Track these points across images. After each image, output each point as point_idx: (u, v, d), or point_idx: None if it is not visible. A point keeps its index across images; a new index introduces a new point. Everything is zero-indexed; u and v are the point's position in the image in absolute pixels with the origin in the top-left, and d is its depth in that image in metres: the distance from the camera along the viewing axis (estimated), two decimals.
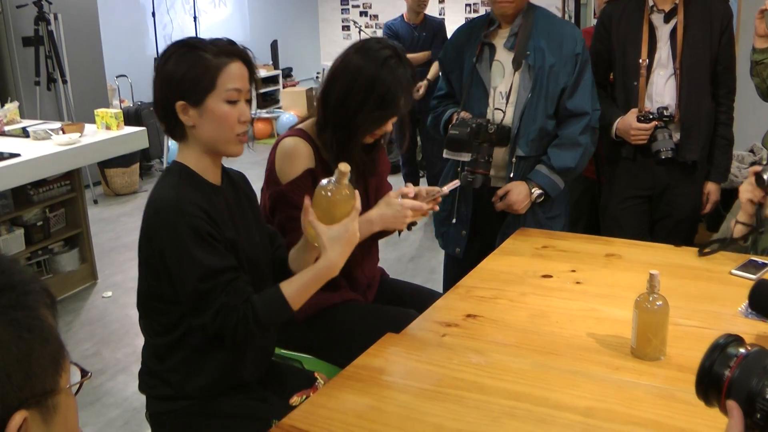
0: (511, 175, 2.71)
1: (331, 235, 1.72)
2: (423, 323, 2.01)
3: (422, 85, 6.04)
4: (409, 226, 2.14)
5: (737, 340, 1.05)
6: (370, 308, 2.27)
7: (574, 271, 2.32)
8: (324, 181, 1.76)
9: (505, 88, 2.69)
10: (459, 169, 2.70)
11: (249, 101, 1.80)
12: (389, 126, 2.17)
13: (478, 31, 2.76)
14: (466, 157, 2.60)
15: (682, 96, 2.83)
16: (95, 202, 6.69)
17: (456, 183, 2.08)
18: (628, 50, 2.86)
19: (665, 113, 2.80)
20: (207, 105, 1.73)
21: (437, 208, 2.14)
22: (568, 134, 2.68)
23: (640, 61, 2.82)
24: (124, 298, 4.57)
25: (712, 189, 2.95)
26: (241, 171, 2.02)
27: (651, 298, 1.80)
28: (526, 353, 1.83)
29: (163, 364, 1.86)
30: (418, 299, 2.33)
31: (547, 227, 2.75)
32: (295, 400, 1.94)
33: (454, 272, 2.69)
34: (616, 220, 3.01)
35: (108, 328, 4.18)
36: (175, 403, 1.86)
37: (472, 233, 2.82)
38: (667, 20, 2.83)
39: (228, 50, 1.75)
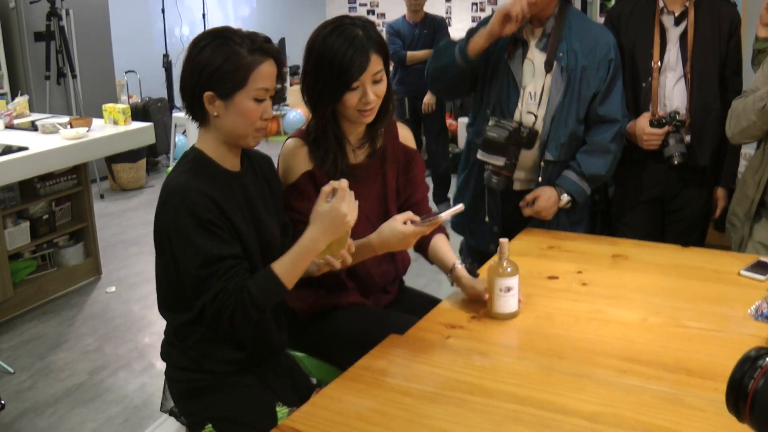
0: (539, 179, 2.66)
1: (319, 211, 1.78)
2: (427, 325, 1.99)
3: (429, 96, 6.03)
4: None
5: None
6: (374, 312, 2.23)
7: (580, 272, 2.30)
8: (327, 197, 1.80)
9: (534, 88, 2.63)
10: (485, 167, 2.64)
11: (273, 97, 1.84)
12: (362, 94, 2.02)
13: None
14: (500, 161, 2.56)
15: (693, 100, 2.80)
16: (101, 196, 6.69)
17: (460, 208, 1.97)
18: (638, 51, 2.82)
19: (677, 117, 2.76)
20: (235, 100, 1.77)
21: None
22: (599, 140, 2.64)
23: (652, 63, 2.79)
24: (128, 293, 4.56)
25: (721, 194, 2.92)
26: None
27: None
28: (531, 356, 1.80)
29: (182, 341, 1.92)
30: (430, 308, 2.27)
31: (570, 231, 2.72)
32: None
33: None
34: (628, 225, 2.97)
35: (110, 323, 4.17)
36: (192, 374, 1.93)
37: (503, 230, 2.77)
38: (677, 23, 2.80)
39: (263, 49, 1.79)
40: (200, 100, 1.78)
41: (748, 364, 1.02)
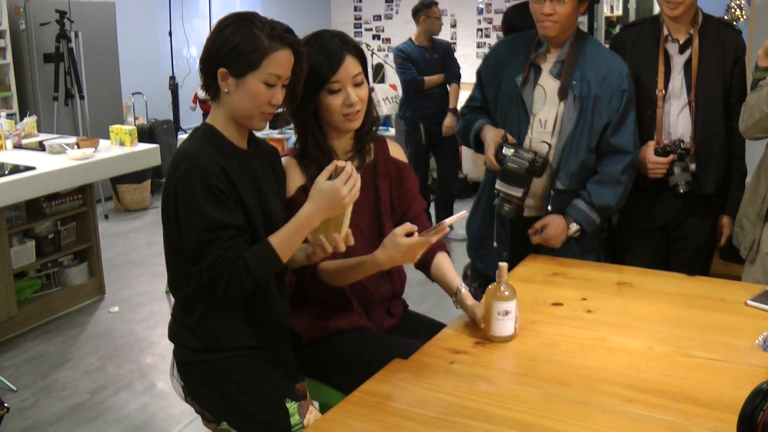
0: (549, 207, 2.65)
1: (319, 187, 1.84)
2: (431, 349, 1.98)
3: (449, 119, 6.01)
4: None
5: None
6: (377, 336, 2.22)
7: (585, 299, 2.29)
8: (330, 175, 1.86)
9: (545, 116, 2.63)
10: (496, 194, 2.63)
11: (285, 87, 1.90)
12: (345, 97, 2.05)
13: (522, 48, 2.69)
14: (518, 192, 2.56)
15: (697, 128, 2.80)
16: (106, 217, 6.71)
17: (463, 214, 2.00)
18: (642, 79, 2.83)
19: (682, 146, 2.77)
20: (246, 80, 1.83)
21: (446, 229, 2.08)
22: (611, 172, 2.63)
23: (657, 91, 2.80)
24: (131, 313, 4.56)
25: (726, 222, 2.91)
26: None
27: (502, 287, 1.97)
28: (536, 382, 1.79)
29: (188, 317, 1.96)
30: (434, 333, 2.26)
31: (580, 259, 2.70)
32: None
33: None
34: (633, 253, 2.96)
35: (113, 343, 4.16)
36: (201, 356, 1.96)
37: (512, 256, 2.75)
38: (682, 50, 2.81)
39: (282, 37, 1.85)
40: (215, 75, 1.85)
41: (759, 397, 1.02)
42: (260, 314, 1.99)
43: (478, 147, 2.73)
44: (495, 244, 2.77)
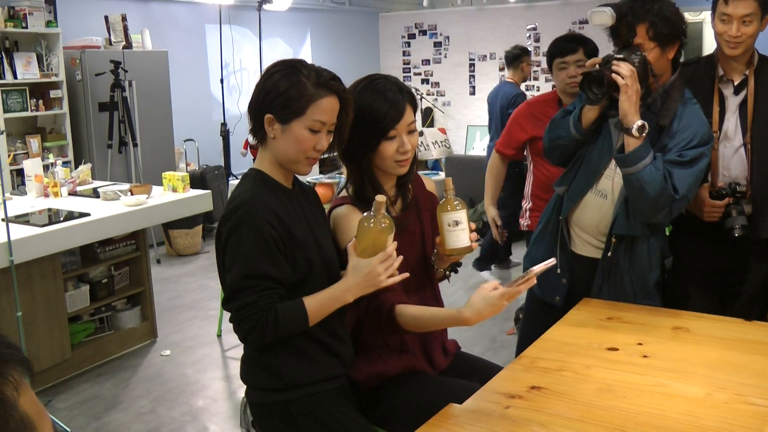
0: (609, 253, 2.63)
1: (355, 265, 1.88)
2: (486, 394, 1.96)
3: None
4: (455, 268, 2.28)
5: None
6: (433, 380, 2.21)
7: (640, 344, 2.25)
8: (364, 214, 1.89)
9: None
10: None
11: (330, 132, 1.95)
12: (400, 144, 2.08)
13: None
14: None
15: (754, 171, 2.75)
16: (158, 261, 6.81)
17: (552, 262, 1.96)
18: None
19: (738, 189, 2.72)
20: (291, 126, 1.89)
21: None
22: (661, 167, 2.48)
23: (713, 133, 2.76)
24: (182, 357, 4.60)
25: None
26: None
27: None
28: (592, 428, 1.76)
29: (264, 356, 1.98)
30: (487, 374, 2.25)
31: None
32: None
33: (543, 319, 2.57)
34: (687, 297, 2.89)
35: (165, 386, 4.19)
36: (281, 395, 1.98)
37: (570, 285, 2.74)
38: (737, 92, 2.78)
39: (328, 84, 1.90)
40: (262, 120, 1.90)
41: None
42: (332, 348, 2.02)
43: None
44: (558, 270, 2.74)
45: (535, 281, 1.91)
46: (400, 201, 2.22)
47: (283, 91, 1.87)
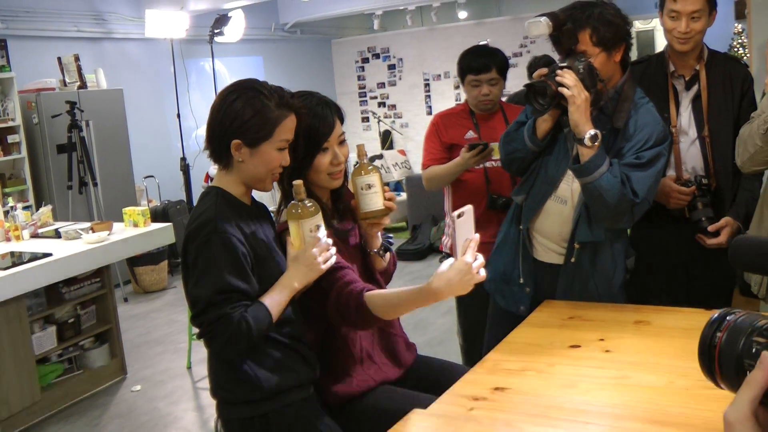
0: (572, 259, 2.63)
1: (293, 256, 1.98)
2: (449, 398, 1.98)
3: None
4: (386, 246, 2.31)
5: (734, 312, 1.01)
6: (403, 392, 2.23)
7: (602, 339, 2.29)
8: (290, 203, 1.99)
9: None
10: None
11: (289, 147, 2.02)
12: (333, 156, 2.15)
13: None
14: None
15: (715, 163, 2.78)
16: (125, 300, 6.75)
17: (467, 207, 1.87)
18: None
19: (704, 182, 2.75)
20: (260, 149, 1.96)
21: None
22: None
23: (672, 127, 2.77)
24: (153, 391, 4.55)
25: (729, 221, 2.75)
26: None
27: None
28: (557, 423, 1.79)
29: (227, 364, 2.01)
30: (450, 375, 2.27)
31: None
32: None
33: (504, 327, 2.53)
34: (651, 293, 2.91)
35: (137, 421, 4.16)
36: (254, 408, 2.01)
37: (534, 293, 2.73)
38: (688, 87, 2.82)
39: (288, 104, 1.98)
40: (227, 146, 1.95)
41: (716, 324, 1.01)
42: (299, 350, 2.07)
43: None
44: (521, 279, 2.74)
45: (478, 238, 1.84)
46: (336, 213, 2.28)
47: (248, 118, 1.93)
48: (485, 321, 3.00)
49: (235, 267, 1.90)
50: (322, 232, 1.98)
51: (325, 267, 1.97)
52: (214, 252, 1.89)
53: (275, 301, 1.95)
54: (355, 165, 2.15)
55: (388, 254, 2.34)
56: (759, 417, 0.86)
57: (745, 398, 0.86)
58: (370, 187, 2.09)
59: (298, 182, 1.96)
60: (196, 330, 2.00)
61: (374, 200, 2.10)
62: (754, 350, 0.93)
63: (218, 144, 1.98)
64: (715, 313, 1.00)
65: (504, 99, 3.63)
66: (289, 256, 2.00)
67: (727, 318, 0.99)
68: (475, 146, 3.16)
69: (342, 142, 2.19)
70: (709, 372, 1.00)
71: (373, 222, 2.17)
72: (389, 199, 2.14)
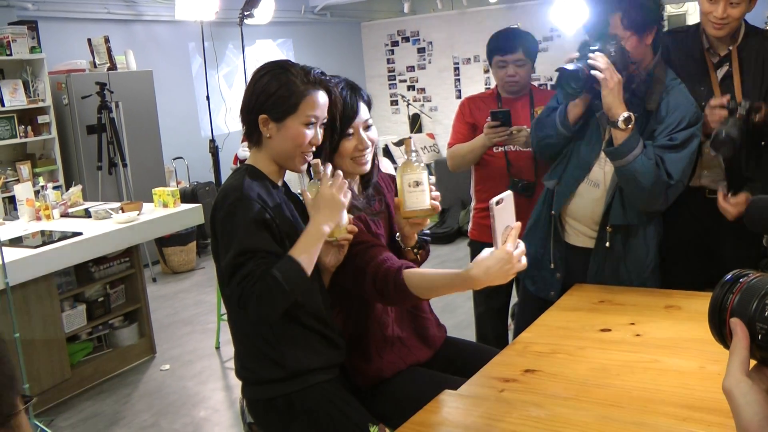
0: (608, 243, 2.61)
1: (311, 203, 1.94)
2: (480, 380, 1.98)
3: None
4: (422, 245, 2.24)
5: (747, 274, 0.99)
6: (432, 374, 2.23)
7: (633, 323, 2.27)
8: (309, 182, 1.98)
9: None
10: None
11: (324, 126, 2.01)
12: (358, 141, 2.12)
13: None
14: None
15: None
16: (154, 280, 6.81)
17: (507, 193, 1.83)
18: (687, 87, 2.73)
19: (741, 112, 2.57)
20: (286, 123, 1.95)
21: None
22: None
23: (711, 102, 2.64)
24: (182, 370, 4.60)
25: (741, 199, 2.62)
26: None
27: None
28: (588, 406, 1.78)
29: (253, 343, 2.02)
30: (479, 357, 2.26)
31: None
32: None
33: (534, 311, 2.53)
34: (678, 278, 2.87)
35: (166, 399, 4.20)
36: (270, 387, 2.00)
37: (565, 279, 2.72)
38: (719, 65, 2.76)
39: (316, 80, 1.97)
40: (256, 122, 1.96)
41: (728, 285, 0.99)
42: (327, 336, 2.05)
43: None
44: (552, 265, 2.73)
45: (519, 225, 1.80)
46: (366, 201, 2.23)
47: (274, 91, 1.93)
48: (499, 307, 3.00)
49: (258, 229, 1.88)
50: (327, 167, 1.95)
51: (345, 200, 1.92)
52: (238, 218, 1.87)
53: (304, 250, 1.88)
54: (402, 162, 2.05)
55: (421, 251, 2.27)
56: (753, 377, 0.93)
57: (735, 364, 0.93)
58: (417, 184, 1.99)
59: (315, 161, 1.95)
60: (224, 310, 2.00)
61: (420, 199, 2.00)
62: (767, 313, 0.92)
63: (248, 120, 1.99)
64: (728, 275, 0.98)
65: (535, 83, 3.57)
66: (308, 205, 1.95)
67: (740, 280, 0.97)
68: (498, 114, 3.14)
69: (368, 128, 2.14)
70: (719, 335, 0.99)
71: (416, 222, 2.10)
72: (435, 199, 2.05)
